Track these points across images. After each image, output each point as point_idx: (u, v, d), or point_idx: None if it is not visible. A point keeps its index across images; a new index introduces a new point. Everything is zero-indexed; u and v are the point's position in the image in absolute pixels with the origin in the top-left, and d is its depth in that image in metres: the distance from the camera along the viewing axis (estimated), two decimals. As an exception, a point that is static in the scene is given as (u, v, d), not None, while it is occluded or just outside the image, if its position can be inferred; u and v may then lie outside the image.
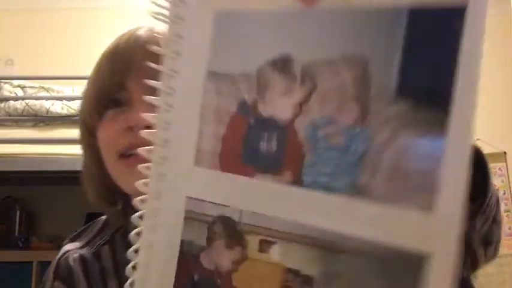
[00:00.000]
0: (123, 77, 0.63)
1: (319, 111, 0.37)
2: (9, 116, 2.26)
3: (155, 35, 0.59)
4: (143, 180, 0.44)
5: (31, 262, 2.37)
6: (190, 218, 0.41)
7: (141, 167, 0.44)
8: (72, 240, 0.72)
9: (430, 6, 0.33)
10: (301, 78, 0.37)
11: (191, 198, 0.41)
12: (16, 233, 2.68)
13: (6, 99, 2.29)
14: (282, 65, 0.38)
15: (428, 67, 0.33)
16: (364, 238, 0.34)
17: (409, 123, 0.33)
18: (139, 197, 0.44)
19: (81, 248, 0.69)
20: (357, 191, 0.34)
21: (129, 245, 0.43)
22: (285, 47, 0.38)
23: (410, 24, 0.34)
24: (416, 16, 0.34)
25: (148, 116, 0.43)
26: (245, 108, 0.40)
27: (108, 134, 0.64)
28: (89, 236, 0.71)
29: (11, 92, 2.39)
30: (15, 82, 2.44)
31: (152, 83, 0.43)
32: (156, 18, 0.43)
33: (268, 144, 0.39)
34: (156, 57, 0.43)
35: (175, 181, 0.43)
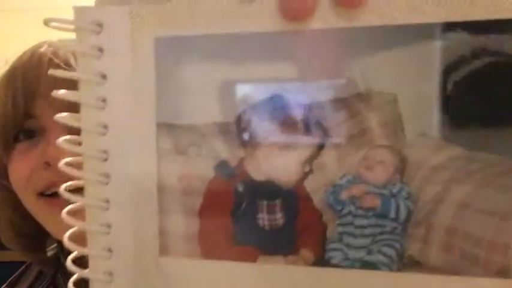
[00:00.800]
0: (28, 103, 0.52)
1: (337, 167, 0.28)
2: (8, 115, 2.08)
3: (62, 50, 0.52)
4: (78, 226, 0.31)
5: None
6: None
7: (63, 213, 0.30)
8: None
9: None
10: (304, 124, 0.28)
11: (164, 299, 0.30)
12: (16, 233, 2.50)
13: (5, 98, 2.10)
14: (273, 107, 0.28)
15: (484, 98, 0.26)
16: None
17: (464, 174, 0.27)
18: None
19: None
20: (408, 263, 0.27)
21: None
22: (272, 84, 0.28)
23: (450, 43, 0.26)
24: (455, 30, 0.26)
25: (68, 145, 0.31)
26: (226, 171, 0.29)
27: (22, 172, 0.54)
28: (27, 283, 0.63)
29: (9, 92, 2.20)
30: (14, 82, 2.28)
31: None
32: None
33: (270, 217, 0.29)
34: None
35: (132, 280, 0.31)
